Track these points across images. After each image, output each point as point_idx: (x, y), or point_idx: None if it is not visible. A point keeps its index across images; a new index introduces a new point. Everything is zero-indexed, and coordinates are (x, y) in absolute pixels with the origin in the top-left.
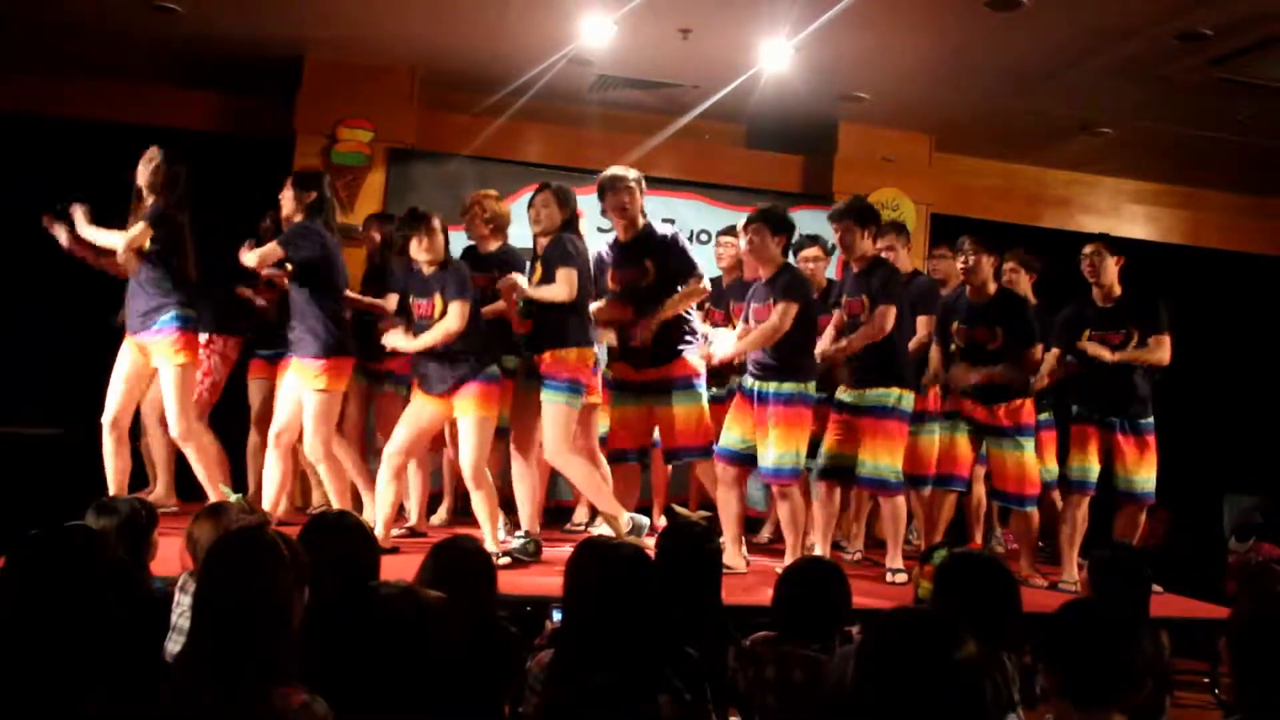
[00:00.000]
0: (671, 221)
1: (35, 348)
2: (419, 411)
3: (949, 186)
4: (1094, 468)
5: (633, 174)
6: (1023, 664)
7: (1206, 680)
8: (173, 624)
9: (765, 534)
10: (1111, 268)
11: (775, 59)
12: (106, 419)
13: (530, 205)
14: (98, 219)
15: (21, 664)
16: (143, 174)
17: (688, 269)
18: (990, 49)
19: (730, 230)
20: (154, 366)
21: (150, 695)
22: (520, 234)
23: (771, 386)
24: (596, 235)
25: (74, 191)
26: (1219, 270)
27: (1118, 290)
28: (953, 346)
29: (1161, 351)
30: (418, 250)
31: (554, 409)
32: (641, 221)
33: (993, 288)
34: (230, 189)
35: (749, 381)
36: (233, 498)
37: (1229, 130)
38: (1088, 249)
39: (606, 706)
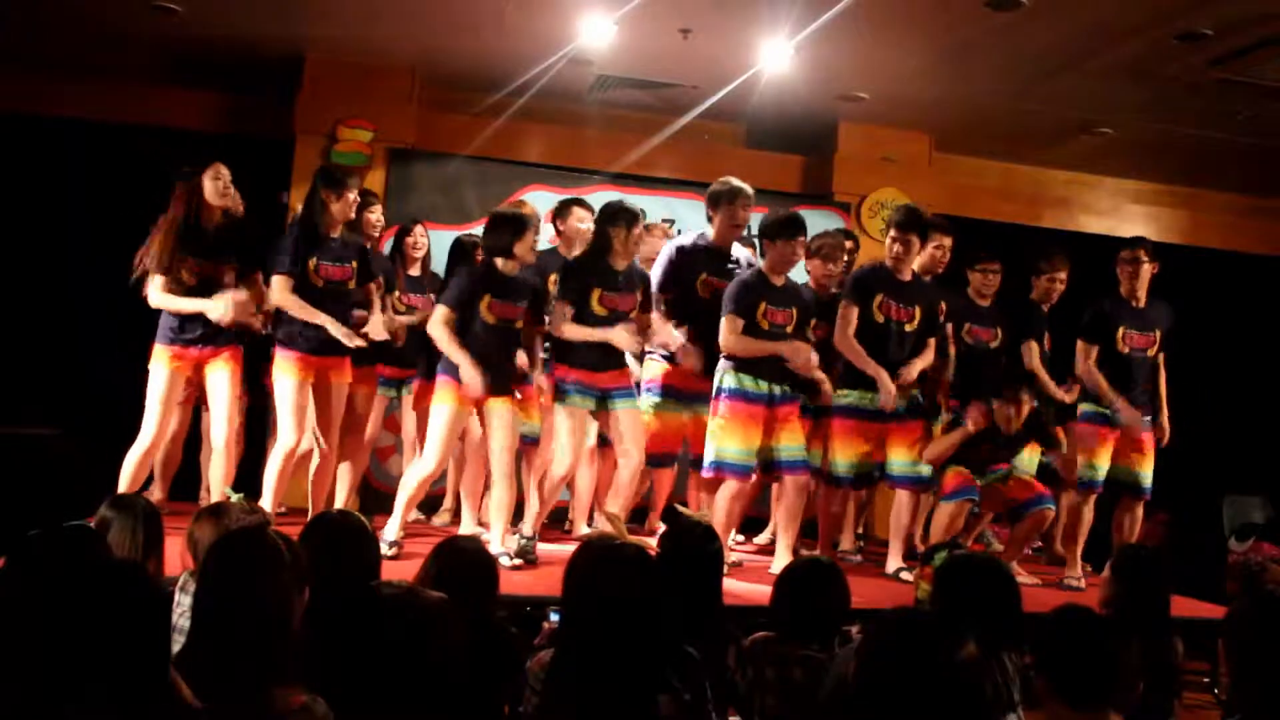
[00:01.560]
0: (671, 222)
1: (35, 348)
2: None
3: (949, 186)
4: (1103, 467)
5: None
6: (1023, 664)
7: (1206, 680)
8: (173, 624)
9: (765, 536)
10: (1149, 273)
11: (775, 59)
12: (160, 436)
13: (646, 230)
14: (98, 218)
15: (21, 664)
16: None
17: None
18: (990, 49)
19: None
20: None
21: (151, 695)
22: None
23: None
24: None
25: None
26: (1219, 270)
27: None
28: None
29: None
30: (526, 251)
31: (640, 415)
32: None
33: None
34: None
35: (763, 386)
36: (234, 498)
37: (1229, 130)
38: (1127, 254)
39: (606, 707)
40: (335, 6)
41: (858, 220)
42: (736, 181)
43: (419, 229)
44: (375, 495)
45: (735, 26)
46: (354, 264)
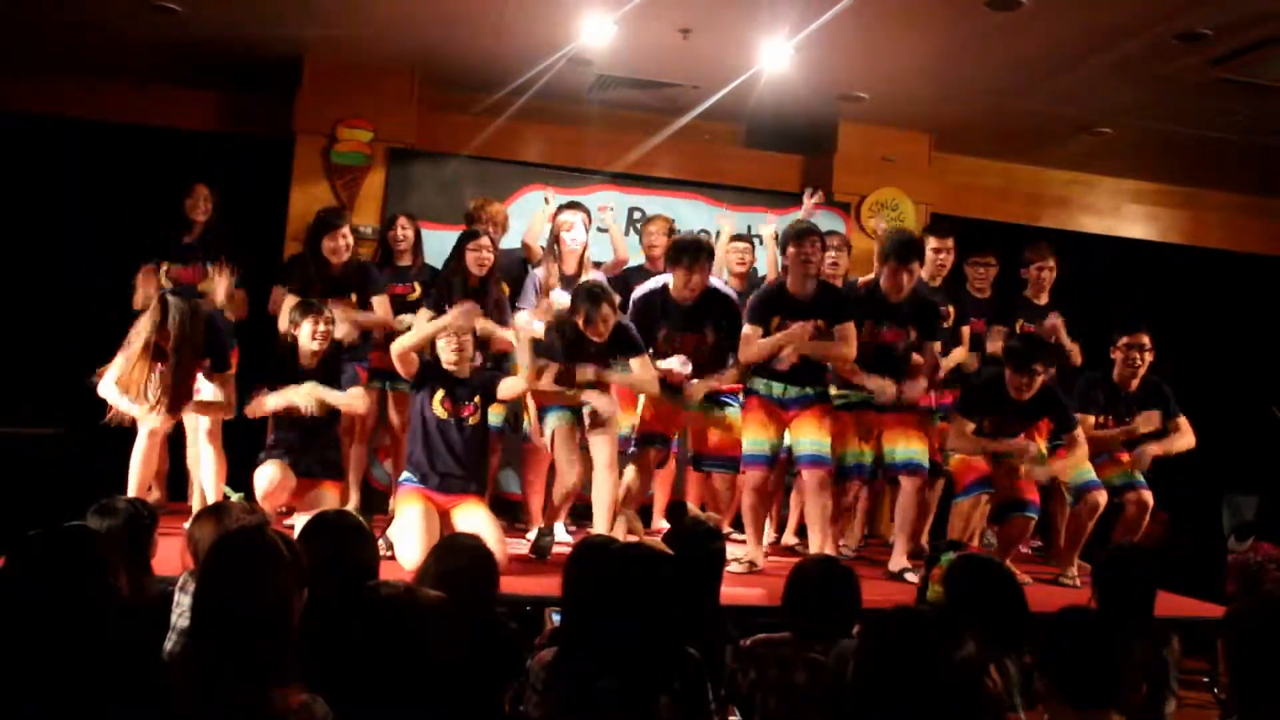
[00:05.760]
0: (671, 222)
1: (35, 348)
2: None
3: (949, 186)
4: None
5: None
6: (1023, 664)
7: (1206, 680)
8: (172, 624)
9: (769, 534)
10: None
11: (775, 59)
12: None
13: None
14: (98, 218)
15: (21, 664)
16: None
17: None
18: (990, 49)
19: (742, 237)
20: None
21: (149, 695)
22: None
23: (811, 390)
24: (595, 235)
25: None
26: (1219, 270)
27: None
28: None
29: None
30: None
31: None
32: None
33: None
34: (230, 189)
35: (774, 389)
36: (234, 498)
37: (1229, 130)
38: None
39: (606, 707)
40: (335, 6)
41: (857, 220)
42: (703, 239)
43: (403, 220)
44: (374, 495)
45: (735, 26)
46: None
